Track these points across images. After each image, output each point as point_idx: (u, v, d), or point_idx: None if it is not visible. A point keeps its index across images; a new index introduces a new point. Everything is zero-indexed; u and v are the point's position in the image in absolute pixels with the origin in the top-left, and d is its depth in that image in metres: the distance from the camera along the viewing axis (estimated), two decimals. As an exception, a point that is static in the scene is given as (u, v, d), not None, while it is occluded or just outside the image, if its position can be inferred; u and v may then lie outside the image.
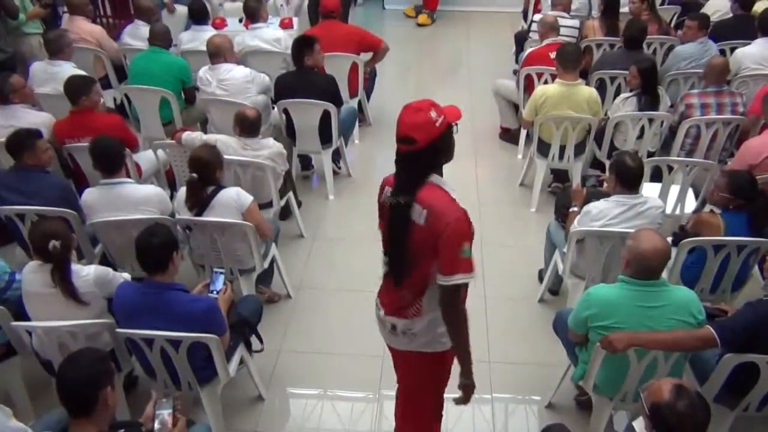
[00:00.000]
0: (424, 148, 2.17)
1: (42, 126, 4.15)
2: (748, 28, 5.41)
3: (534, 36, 5.82)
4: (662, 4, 6.99)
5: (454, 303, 2.29)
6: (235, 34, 5.56)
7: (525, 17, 7.38)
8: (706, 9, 6.01)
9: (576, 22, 5.92)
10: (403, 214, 2.24)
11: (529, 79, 5.30)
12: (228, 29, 6.18)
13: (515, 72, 6.11)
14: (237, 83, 4.81)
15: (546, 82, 5.07)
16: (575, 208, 3.71)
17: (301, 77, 4.80)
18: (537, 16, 5.92)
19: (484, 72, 7.08)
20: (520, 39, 6.57)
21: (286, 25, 6.46)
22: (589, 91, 4.66)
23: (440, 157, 2.25)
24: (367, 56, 5.78)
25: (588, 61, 5.52)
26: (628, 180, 3.36)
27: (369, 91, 6.12)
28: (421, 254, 2.25)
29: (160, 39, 5.06)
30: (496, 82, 5.88)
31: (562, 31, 5.52)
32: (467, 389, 2.46)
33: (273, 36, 5.61)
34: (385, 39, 5.84)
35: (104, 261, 3.79)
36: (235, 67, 4.87)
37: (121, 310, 2.89)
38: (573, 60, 4.58)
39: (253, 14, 5.67)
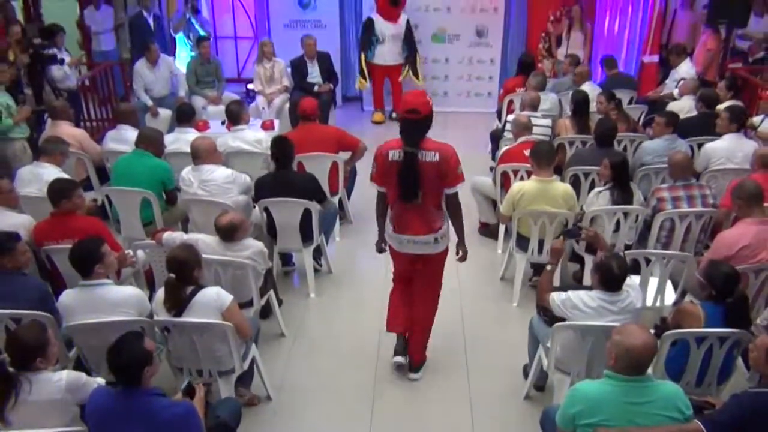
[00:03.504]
0: (425, 117, 3.67)
1: (21, 228, 4.15)
2: (711, 125, 5.67)
3: (508, 135, 6.03)
4: (630, 103, 7.34)
5: (458, 202, 3.87)
6: (218, 136, 5.70)
7: (499, 117, 7.67)
8: (670, 108, 6.30)
9: (548, 122, 6.17)
10: (414, 158, 3.67)
11: (505, 176, 5.45)
12: (211, 131, 6.35)
13: (492, 169, 6.28)
14: (218, 184, 4.89)
15: (522, 179, 5.21)
16: (549, 267, 3.79)
17: (280, 177, 4.89)
18: (510, 117, 6.17)
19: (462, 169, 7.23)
20: (495, 137, 6.81)
21: (267, 126, 6.66)
22: (564, 187, 4.79)
23: (431, 123, 3.74)
24: (347, 155, 5.92)
25: (561, 158, 5.71)
26: (612, 284, 3.41)
27: (349, 189, 6.24)
28: (434, 181, 3.72)
29: (149, 144, 5.16)
30: (473, 179, 6.02)
31: (535, 130, 5.74)
32: (463, 248, 4.05)
33: (254, 137, 5.76)
34: (364, 139, 6.01)
35: (78, 365, 3.69)
36: (217, 168, 4.96)
37: (94, 417, 2.80)
38: (547, 157, 4.73)
39: (235, 117, 5.85)
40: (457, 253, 4.06)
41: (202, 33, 8.70)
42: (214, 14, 10.01)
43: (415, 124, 3.66)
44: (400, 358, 4.24)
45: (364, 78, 8.96)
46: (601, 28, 9.21)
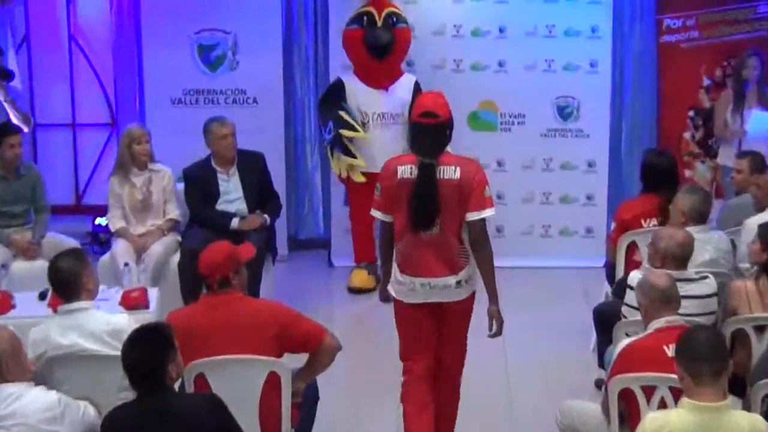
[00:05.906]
0: (445, 122, 5.50)
1: None
2: None
3: (632, 314, 6.04)
4: None
5: (485, 233, 5.61)
6: (32, 324, 5.69)
7: (611, 278, 7.70)
8: None
9: (711, 286, 6.19)
10: (432, 172, 5.37)
11: (629, 398, 5.40)
12: (16, 314, 6.36)
13: (600, 385, 6.24)
14: (30, 423, 4.83)
15: (664, 405, 5.17)
16: None
17: (154, 407, 4.82)
18: (635, 277, 6.19)
19: (539, 386, 7.22)
20: (605, 320, 6.81)
21: (133, 302, 6.65)
22: (750, 420, 4.72)
23: (451, 133, 5.63)
24: (299, 360, 5.89)
25: (743, 362, 5.69)
26: None
27: (303, 430, 6.15)
28: (454, 205, 5.40)
29: None
30: (565, 407, 5.96)
31: (685, 304, 5.74)
32: (497, 315, 5.67)
33: (106, 325, 5.70)
34: (334, 326, 6.06)
35: None
36: (26, 390, 4.91)
37: None
38: (712, 360, 4.69)
39: (66, 286, 5.80)
40: (490, 327, 5.70)
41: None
42: (32, 82, 10.27)
43: (432, 130, 5.46)
44: None
45: (352, 153, 9.11)
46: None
